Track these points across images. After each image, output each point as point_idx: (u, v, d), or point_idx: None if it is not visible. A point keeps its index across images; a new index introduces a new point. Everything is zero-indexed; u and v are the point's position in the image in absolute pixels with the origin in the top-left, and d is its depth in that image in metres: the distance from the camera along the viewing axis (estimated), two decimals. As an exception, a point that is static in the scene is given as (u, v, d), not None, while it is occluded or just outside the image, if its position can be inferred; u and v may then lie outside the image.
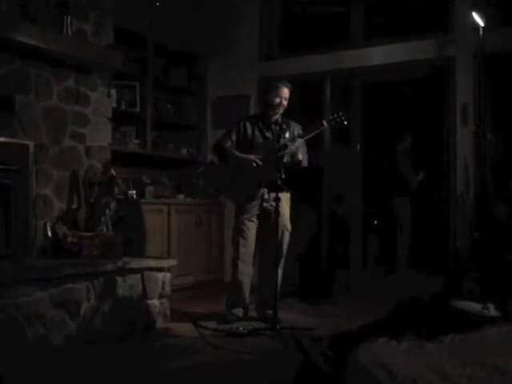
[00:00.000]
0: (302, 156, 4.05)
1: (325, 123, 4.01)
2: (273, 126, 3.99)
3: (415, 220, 6.12)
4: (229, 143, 4.12)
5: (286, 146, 3.94)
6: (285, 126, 4.01)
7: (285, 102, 4.05)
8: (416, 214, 6.11)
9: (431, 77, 5.47)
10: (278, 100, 4.03)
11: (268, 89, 4.16)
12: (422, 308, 2.48)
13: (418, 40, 5.11)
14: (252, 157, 3.99)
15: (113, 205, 4.26)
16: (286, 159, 4.02)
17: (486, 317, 2.48)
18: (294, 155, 4.04)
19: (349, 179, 5.64)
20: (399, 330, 2.16)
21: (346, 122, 4.05)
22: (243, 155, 4.03)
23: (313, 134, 4.01)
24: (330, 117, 4.07)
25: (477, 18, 4.55)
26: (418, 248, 6.13)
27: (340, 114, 4.03)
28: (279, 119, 3.99)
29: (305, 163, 4.10)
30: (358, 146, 5.57)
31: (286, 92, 4.06)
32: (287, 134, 4.03)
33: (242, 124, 4.15)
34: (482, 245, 4.36)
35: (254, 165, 3.97)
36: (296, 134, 4.09)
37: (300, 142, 4.00)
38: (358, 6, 5.54)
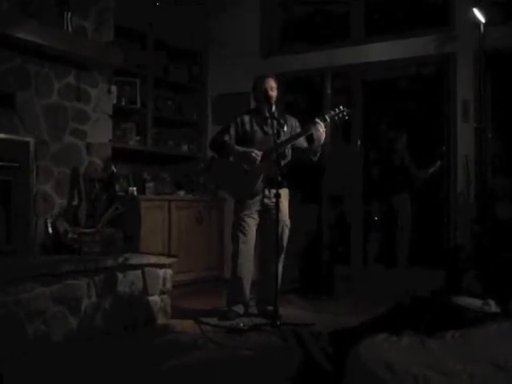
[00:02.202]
0: (316, 136, 3.97)
1: (327, 118, 3.98)
2: (269, 121, 3.98)
3: (415, 217, 6.12)
4: (227, 137, 4.10)
5: (287, 142, 3.95)
6: (282, 121, 4.03)
7: (271, 93, 4.02)
8: (416, 210, 6.11)
9: (432, 73, 5.47)
10: (263, 90, 4.02)
11: (254, 86, 4.20)
12: (423, 304, 2.48)
13: (418, 36, 5.10)
14: (253, 150, 3.99)
15: (113, 201, 4.26)
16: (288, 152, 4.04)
17: (487, 313, 2.48)
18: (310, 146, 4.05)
19: (349, 176, 5.64)
20: (400, 326, 2.16)
21: (347, 118, 4.04)
22: (243, 149, 4.02)
23: (310, 131, 3.98)
24: (332, 112, 4.03)
25: (478, 14, 4.55)
26: (419, 245, 6.13)
27: (341, 108, 4.01)
28: (275, 113, 3.94)
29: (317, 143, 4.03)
30: (359, 143, 5.57)
31: (270, 81, 4.06)
32: (285, 128, 4.04)
33: (239, 119, 4.14)
34: (483, 242, 4.36)
35: (257, 158, 3.96)
36: (294, 125, 4.13)
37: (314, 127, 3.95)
38: (358, 2, 5.53)
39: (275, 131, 3.88)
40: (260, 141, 4.04)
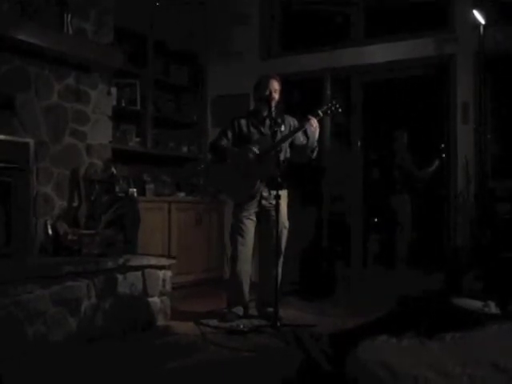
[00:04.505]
0: (310, 132, 3.99)
1: (320, 112, 3.98)
2: (267, 121, 3.99)
3: (415, 217, 6.12)
4: (224, 141, 4.11)
5: (283, 140, 3.95)
6: (280, 121, 4.01)
7: (275, 95, 4.02)
8: (416, 211, 6.11)
9: (432, 75, 5.46)
10: (267, 92, 4.02)
11: (257, 85, 4.18)
12: (423, 306, 2.48)
13: (418, 38, 5.11)
14: (249, 148, 3.97)
15: (113, 203, 4.26)
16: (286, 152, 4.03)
17: (487, 314, 2.48)
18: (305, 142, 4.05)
19: (349, 177, 5.64)
20: (400, 327, 2.16)
21: (340, 110, 4.04)
22: (239, 149, 4.02)
23: (304, 128, 3.99)
24: (325, 106, 4.05)
25: (477, 15, 4.55)
26: (419, 245, 6.13)
27: (333, 102, 4.04)
28: (273, 114, 3.94)
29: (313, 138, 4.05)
30: (359, 144, 5.57)
31: (274, 83, 4.06)
32: (283, 128, 4.03)
33: (236, 122, 4.14)
34: (483, 242, 4.37)
35: (251, 155, 3.95)
36: (292, 125, 4.12)
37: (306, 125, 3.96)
38: (358, 3, 5.53)
39: (272, 131, 3.88)
40: (257, 142, 4.04)
